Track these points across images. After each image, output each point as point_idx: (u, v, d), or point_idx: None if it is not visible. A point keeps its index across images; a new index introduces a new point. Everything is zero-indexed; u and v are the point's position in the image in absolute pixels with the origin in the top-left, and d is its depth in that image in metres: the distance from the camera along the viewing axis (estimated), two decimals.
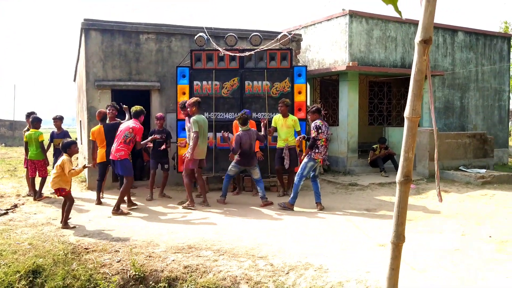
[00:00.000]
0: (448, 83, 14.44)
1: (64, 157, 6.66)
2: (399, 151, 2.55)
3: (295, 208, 7.84)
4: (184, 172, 8.02)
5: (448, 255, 5.10)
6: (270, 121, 9.10)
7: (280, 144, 8.88)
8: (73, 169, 6.61)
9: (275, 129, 8.98)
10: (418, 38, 2.25)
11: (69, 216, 6.79)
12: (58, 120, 9.43)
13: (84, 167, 7.19)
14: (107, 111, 8.55)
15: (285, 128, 8.80)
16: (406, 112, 2.40)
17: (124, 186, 7.66)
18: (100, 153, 8.41)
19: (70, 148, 6.73)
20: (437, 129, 2.58)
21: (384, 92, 13.89)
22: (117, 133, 7.76)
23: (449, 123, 14.51)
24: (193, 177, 8.19)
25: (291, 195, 7.90)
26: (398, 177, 2.45)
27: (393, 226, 2.50)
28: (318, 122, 7.75)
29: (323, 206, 7.85)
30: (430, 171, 11.03)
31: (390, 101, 14.19)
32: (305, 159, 7.76)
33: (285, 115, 8.83)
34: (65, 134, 9.31)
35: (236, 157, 8.22)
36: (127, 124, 7.78)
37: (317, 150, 7.70)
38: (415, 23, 13.31)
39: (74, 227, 6.56)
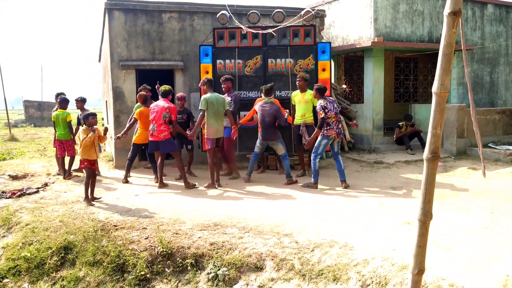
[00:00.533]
0: (477, 57, 14.04)
1: (82, 127, 7.03)
2: (426, 129, 2.50)
3: (320, 186, 7.83)
4: (208, 153, 8.10)
5: (476, 232, 5.03)
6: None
7: (297, 120, 8.72)
8: (85, 138, 6.84)
9: (294, 107, 8.90)
10: (447, 10, 2.18)
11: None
12: (80, 101, 9.53)
13: (96, 137, 7.02)
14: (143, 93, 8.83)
15: (303, 103, 8.68)
16: (434, 87, 2.35)
17: (178, 162, 8.11)
18: (144, 135, 8.36)
19: (87, 119, 6.98)
20: (474, 104, 2.50)
21: (410, 68, 13.62)
22: (153, 115, 7.89)
23: (478, 99, 14.15)
24: (216, 156, 8.24)
25: (312, 174, 7.89)
26: (426, 153, 2.42)
27: (420, 204, 2.48)
28: (321, 102, 7.68)
29: (347, 184, 7.81)
30: (458, 148, 10.82)
31: (416, 77, 13.92)
32: (319, 138, 7.75)
33: (303, 90, 8.72)
34: None
35: (259, 133, 8.23)
36: (161, 104, 7.93)
37: (328, 127, 7.66)
38: None
39: (93, 205, 6.78)
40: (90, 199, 6.92)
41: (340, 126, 7.83)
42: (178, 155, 8.17)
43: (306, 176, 8.79)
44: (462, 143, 10.90)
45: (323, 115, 7.61)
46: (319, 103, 7.71)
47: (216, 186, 8.03)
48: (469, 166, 9.31)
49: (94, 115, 7.10)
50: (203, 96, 7.96)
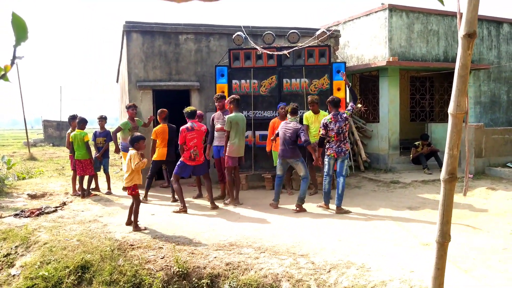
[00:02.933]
0: (494, 76, 13.95)
1: (132, 151, 6.54)
2: (443, 148, 2.50)
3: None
4: (226, 171, 8.11)
5: (496, 254, 4.94)
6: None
7: (312, 140, 8.48)
8: (139, 163, 6.46)
9: (307, 127, 8.83)
10: (462, 32, 2.19)
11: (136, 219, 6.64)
12: (103, 120, 9.77)
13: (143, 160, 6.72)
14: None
15: (317, 123, 8.65)
16: (450, 109, 2.35)
17: (210, 183, 7.95)
18: (161, 152, 8.49)
19: (138, 142, 6.58)
20: (468, 121, 2.50)
21: (426, 87, 13.57)
22: (194, 140, 7.66)
23: (496, 118, 14.00)
24: (235, 174, 8.24)
25: (323, 195, 7.83)
26: (443, 175, 2.41)
27: (438, 225, 2.46)
28: (327, 119, 7.56)
29: (342, 210, 7.41)
30: (476, 168, 10.69)
31: (432, 96, 13.85)
32: (325, 157, 7.68)
33: (316, 112, 8.76)
34: (107, 133, 9.62)
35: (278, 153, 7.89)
36: (197, 127, 7.75)
37: (327, 145, 7.59)
38: None
39: (145, 229, 6.45)
40: (136, 224, 6.54)
41: (342, 145, 7.53)
42: (208, 176, 8.07)
43: (318, 194, 8.75)
44: (481, 162, 10.77)
45: (322, 132, 7.59)
46: (325, 119, 7.61)
47: (235, 203, 8.08)
48: (488, 186, 9.18)
49: (143, 138, 6.73)
50: (227, 117, 7.98)
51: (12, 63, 0.97)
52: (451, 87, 2.41)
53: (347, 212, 7.44)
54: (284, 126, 7.80)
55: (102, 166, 9.66)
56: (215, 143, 8.46)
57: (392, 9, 12.11)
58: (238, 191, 8.35)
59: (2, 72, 0.97)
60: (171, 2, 1.01)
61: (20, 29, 0.96)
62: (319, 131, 7.71)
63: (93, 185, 9.42)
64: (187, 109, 7.97)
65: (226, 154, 8.01)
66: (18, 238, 6.29)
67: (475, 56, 13.56)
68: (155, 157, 8.55)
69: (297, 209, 7.56)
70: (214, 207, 7.84)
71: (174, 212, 7.60)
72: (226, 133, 7.94)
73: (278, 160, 7.92)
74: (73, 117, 9.45)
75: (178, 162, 7.80)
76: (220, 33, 10.69)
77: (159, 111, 8.77)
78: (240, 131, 7.99)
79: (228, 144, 7.98)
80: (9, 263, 5.89)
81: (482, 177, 10.34)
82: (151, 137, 8.63)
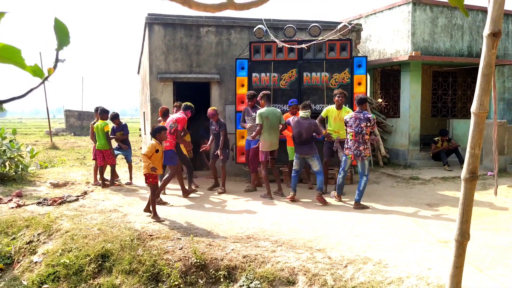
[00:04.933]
0: None
1: (152, 141, 6.63)
2: (464, 144, 2.48)
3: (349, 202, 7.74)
4: (261, 165, 8.25)
5: None
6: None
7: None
8: (153, 155, 6.50)
9: (324, 120, 8.72)
10: (486, 31, 2.17)
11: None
12: (115, 118, 9.85)
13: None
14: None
15: (338, 121, 8.42)
16: (473, 107, 2.33)
17: (168, 175, 7.85)
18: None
19: (160, 133, 6.66)
20: (496, 117, 2.49)
21: (448, 83, 13.36)
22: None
23: None
24: (271, 167, 8.52)
25: (336, 187, 7.94)
26: (464, 174, 2.39)
27: (457, 224, 2.45)
28: (350, 115, 7.54)
29: (360, 206, 7.37)
30: (498, 165, 10.49)
31: (455, 92, 13.63)
32: (343, 154, 7.74)
33: (339, 107, 8.53)
34: (124, 126, 9.76)
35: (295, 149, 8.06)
36: (173, 116, 8.11)
37: (346, 146, 7.57)
38: (483, 10, 12.66)
39: (164, 220, 6.50)
40: (156, 213, 6.61)
41: (360, 148, 7.39)
42: (173, 170, 7.92)
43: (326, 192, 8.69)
44: (503, 160, 10.59)
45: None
46: (347, 115, 7.65)
47: (279, 195, 8.31)
48: (509, 184, 9.03)
49: (165, 129, 6.89)
50: (258, 111, 8.11)
51: (55, 66, 1.02)
52: (474, 82, 2.38)
53: (365, 207, 7.41)
54: (298, 124, 7.80)
55: (125, 157, 9.85)
56: (247, 136, 8.83)
57: (416, 2, 11.91)
58: (280, 184, 8.53)
59: (46, 75, 1.01)
60: (205, 13, 1.04)
61: (62, 34, 1.00)
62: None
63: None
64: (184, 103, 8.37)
65: (260, 149, 8.17)
66: (41, 226, 6.45)
67: (500, 51, 13.29)
68: None
69: (319, 199, 7.64)
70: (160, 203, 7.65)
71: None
72: (259, 127, 8.03)
73: (295, 155, 8.01)
74: (97, 109, 9.61)
75: None
76: (241, 26, 10.68)
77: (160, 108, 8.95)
78: (270, 125, 8.05)
79: (260, 139, 8.12)
80: (31, 250, 6.05)
81: (504, 175, 10.17)
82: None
